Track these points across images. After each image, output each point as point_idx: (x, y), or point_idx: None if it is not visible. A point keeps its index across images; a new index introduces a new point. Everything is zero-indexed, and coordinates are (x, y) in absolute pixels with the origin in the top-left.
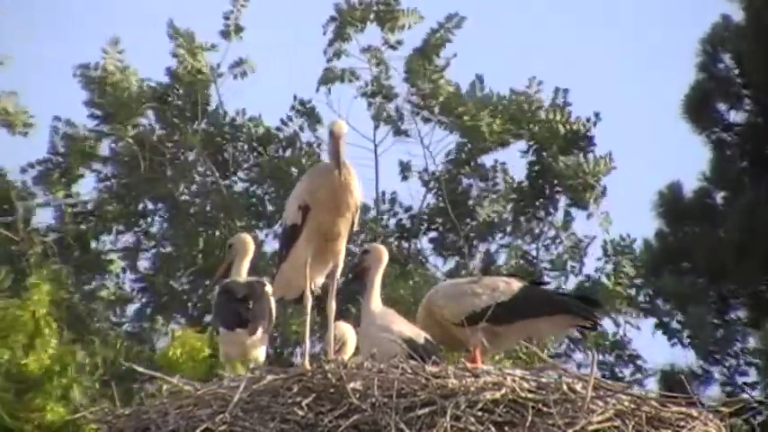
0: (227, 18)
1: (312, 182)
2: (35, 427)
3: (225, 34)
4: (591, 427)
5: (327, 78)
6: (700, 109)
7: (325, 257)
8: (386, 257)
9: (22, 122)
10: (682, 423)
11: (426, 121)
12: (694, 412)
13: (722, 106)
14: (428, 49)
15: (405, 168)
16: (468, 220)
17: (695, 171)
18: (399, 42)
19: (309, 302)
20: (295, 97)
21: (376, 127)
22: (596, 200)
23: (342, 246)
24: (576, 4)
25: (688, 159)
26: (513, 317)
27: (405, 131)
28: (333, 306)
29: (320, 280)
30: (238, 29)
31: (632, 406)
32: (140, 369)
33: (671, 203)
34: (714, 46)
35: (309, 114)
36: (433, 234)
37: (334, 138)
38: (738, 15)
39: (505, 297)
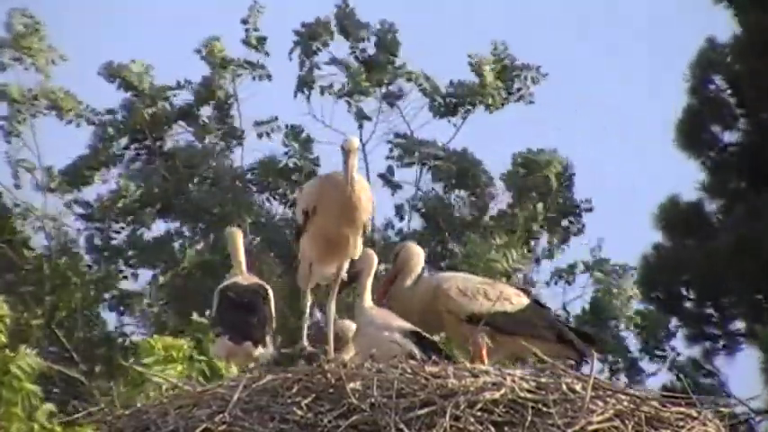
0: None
1: (322, 190)
2: None
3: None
4: (590, 427)
5: (304, 83)
6: (693, 133)
7: (330, 259)
8: (376, 261)
9: (75, 112)
10: (681, 423)
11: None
12: (694, 412)
13: (716, 128)
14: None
15: (399, 211)
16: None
17: (692, 183)
18: (363, 51)
19: (308, 303)
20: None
21: (360, 126)
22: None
23: (348, 249)
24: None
25: (684, 175)
26: (517, 330)
27: (397, 184)
28: (332, 307)
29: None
30: (260, 40)
31: (632, 406)
32: (139, 369)
33: (669, 216)
34: (703, 68)
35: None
36: None
37: (345, 153)
38: (726, 34)
39: (514, 309)
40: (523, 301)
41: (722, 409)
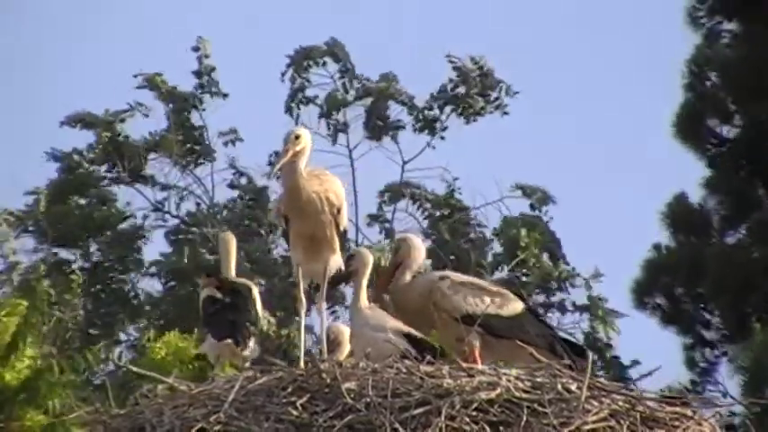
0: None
1: (284, 194)
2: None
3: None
4: (586, 427)
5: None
6: (691, 128)
7: (313, 257)
8: (371, 260)
9: None
10: (676, 423)
11: None
12: (689, 412)
13: (714, 122)
14: None
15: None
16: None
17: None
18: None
19: (303, 306)
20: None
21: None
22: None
23: (329, 248)
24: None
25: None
26: (509, 335)
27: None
28: (323, 307)
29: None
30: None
31: (627, 406)
32: (135, 369)
33: (676, 217)
34: (700, 65)
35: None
36: None
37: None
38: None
39: (508, 313)
40: (519, 306)
41: (717, 408)
